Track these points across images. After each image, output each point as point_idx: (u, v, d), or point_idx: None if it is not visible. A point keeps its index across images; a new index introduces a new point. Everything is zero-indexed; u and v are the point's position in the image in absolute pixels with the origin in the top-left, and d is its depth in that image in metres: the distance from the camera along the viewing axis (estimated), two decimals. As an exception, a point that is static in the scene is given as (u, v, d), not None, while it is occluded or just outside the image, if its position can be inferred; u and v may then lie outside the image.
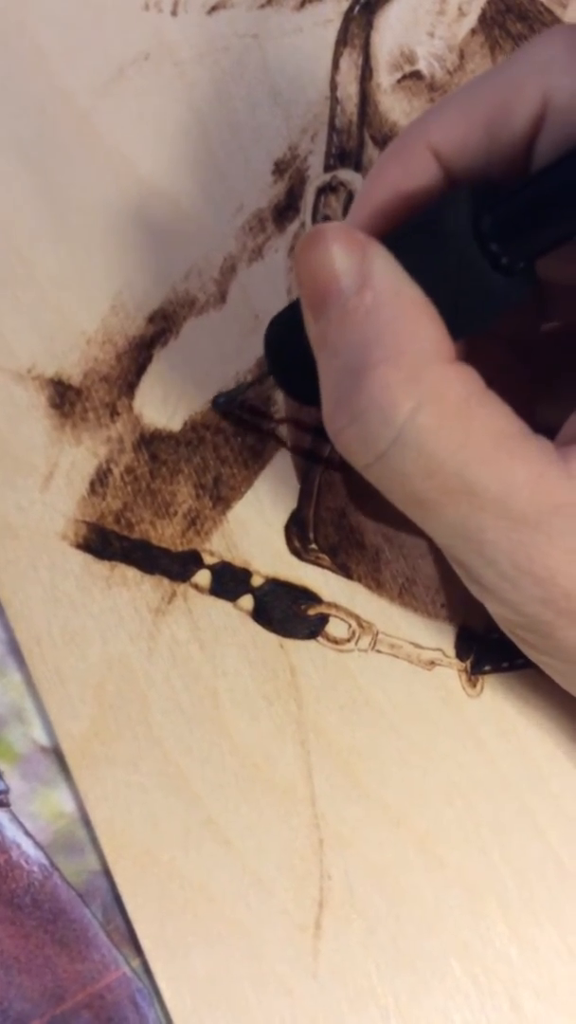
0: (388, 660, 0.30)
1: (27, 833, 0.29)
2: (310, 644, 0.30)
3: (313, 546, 0.30)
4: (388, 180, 0.24)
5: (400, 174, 0.24)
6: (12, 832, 0.28)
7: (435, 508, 0.22)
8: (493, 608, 0.24)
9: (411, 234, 0.23)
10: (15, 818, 0.29)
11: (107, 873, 0.28)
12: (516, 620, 0.24)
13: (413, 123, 0.24)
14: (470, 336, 0.24)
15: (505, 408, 0.22)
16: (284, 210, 0.33)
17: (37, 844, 0.29)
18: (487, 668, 0.30)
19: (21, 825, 0.29)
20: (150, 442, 0.31)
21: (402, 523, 0.25)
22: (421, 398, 0.21)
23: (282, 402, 0.32)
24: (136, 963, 0.28)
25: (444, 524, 0.23)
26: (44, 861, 0.28)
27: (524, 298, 0.23)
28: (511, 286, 0.22)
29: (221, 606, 0.30)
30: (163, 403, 0.31)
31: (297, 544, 0.30)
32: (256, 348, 0.32)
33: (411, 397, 0.21)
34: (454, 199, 0.22)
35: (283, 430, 0.31)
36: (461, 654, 0.30)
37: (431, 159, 0.24)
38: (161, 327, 0.32)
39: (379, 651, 0.30)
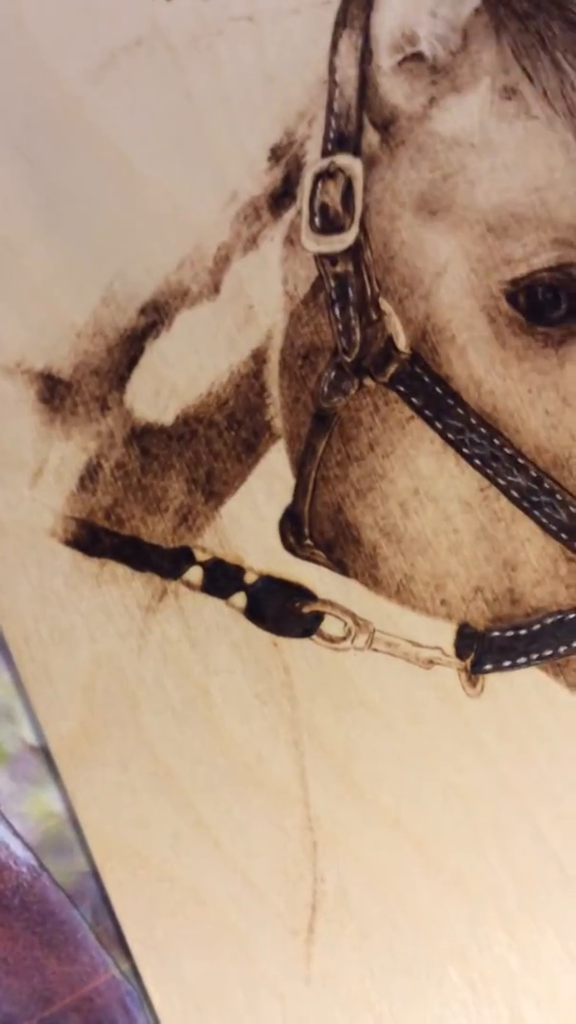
0: (385, 659, 0.29)
1: (16, 833, 0.29)
2: (304, 642, 0.29)
3: (308, 542, 0.30)
4: None
5: None
6: (1, 832, 0.29)
7: None
8: None
9: None
10: (4, 818, 0.29)
11: (97, 874, 0.28)
12: None
13: None
14: None
15: None
16: (280, 197, 0.32)
17: (26, 845, 0.29)
18: (488, 667, 0.29)
19: (10, 825, 0.29)
20: (141, 436, 0.31)
21: None
22: None
23: (276, 393, 0.31)
24: (126, 966, 0.28)
25: None
26: (33, 862, 0.28)
27: None
28: None
29: (213, 604, 0.30)
30: (155, 397, 0.31)
31: (292, 540, 0.30)
32: (250, 339, 0.31)
33: None
34: None
35: (279, 423, 0.31)
36: (461, 653, 0.29)
37: None
38: (153, 319, 0.32)
39: (376, 650, 0.29)
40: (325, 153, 0.33)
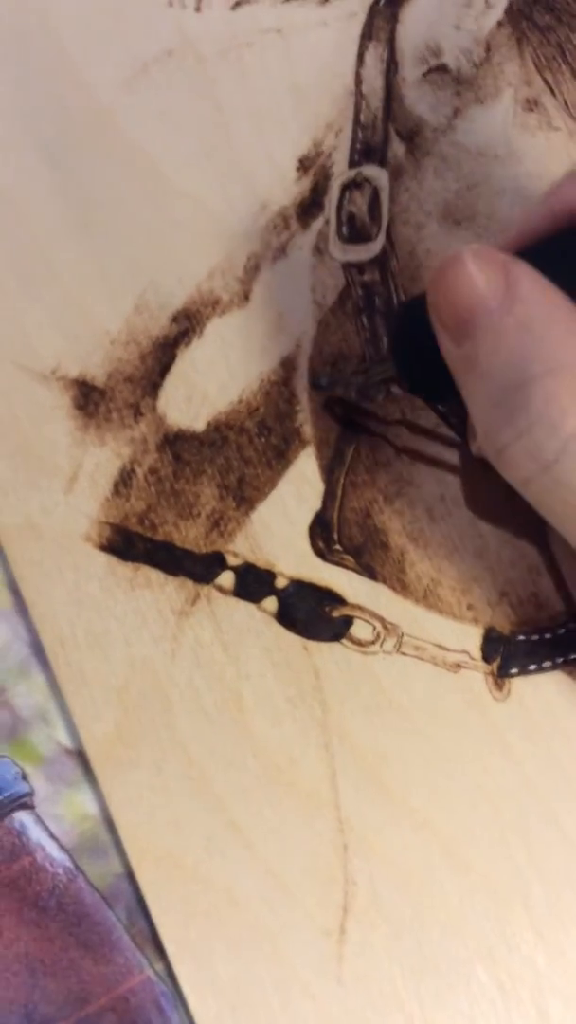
0: (413, 663, 0.29)
1: (52, 835, 0.29)
2: (334, 646, 0.29)
3: (337, 547, 0.30)
4: None
5: None
6: (37, 834, 0.29)
7: None
8: None
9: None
10: (40, 820, 0.29)
11: (131, 876, 0.28)
12: None
13: None
14: None
15: None
16: (308, 207, 0.33)
17: (62, 847, 0.29)
18: (514, 671, 0.29)
19: (46, 827, 0.29)
20: (174, 443, 0.31)
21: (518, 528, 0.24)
22: None
23: (305, 400, 0.31)
24: (160, 966, 0.28)
25: None
26: (69, 864, 0.28)
27: None
28: None
29: (245, 608, 0.30)
30: (187, 403, 0.31)
31: (321, 545, 0.30)
32: (280, 347, 0.32)
33: None
34: None
35: (308, 429, 0.31)
36: (488, 656, 0.29)
37: None
38: (185, 327, 0.32)
39: (404, 653, 0.29)
40: (352, 164, 0.33)
